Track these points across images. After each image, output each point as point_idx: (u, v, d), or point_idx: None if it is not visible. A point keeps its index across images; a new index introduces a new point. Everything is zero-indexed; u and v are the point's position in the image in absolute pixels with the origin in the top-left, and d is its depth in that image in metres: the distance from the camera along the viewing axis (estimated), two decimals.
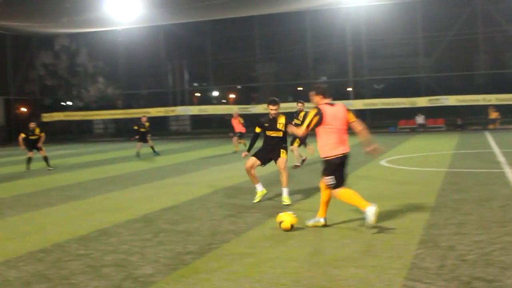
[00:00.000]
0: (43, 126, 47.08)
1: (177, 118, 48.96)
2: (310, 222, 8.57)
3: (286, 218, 8.33)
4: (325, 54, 46.25)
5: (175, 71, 51.47)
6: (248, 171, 10.88)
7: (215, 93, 51.44)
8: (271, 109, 10.64)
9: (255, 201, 11.05)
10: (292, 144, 17.29)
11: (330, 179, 8.17)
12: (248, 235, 8.25)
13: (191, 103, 50.57)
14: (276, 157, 10.82)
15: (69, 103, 51.08)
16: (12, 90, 47.87)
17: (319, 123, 8.11)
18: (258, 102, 44.62)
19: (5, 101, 47.94)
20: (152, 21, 42.08)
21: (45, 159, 21.35)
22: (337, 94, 42.95)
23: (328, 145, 8.16)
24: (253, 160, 10.86)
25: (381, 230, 8.03)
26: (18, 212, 11.40)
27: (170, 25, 44.23)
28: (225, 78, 50.80)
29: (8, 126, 48.04)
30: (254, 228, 8.70)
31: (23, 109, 50.56)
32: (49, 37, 48.02)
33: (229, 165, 19.76)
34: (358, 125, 8.37)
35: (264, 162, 10.97)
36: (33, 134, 21.26)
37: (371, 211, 7.80)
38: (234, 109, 38.43)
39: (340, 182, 8.21)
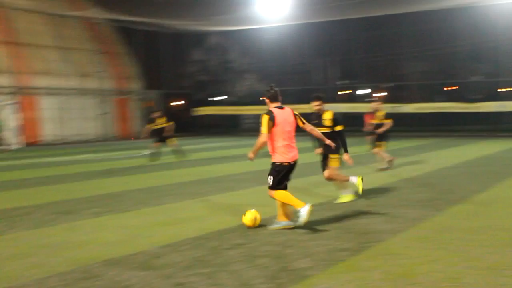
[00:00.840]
0: (197, 119, 49.25)
1: None
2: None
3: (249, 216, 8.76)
4: (476, 53, 44.12)
5: (323, 68, 51.47)
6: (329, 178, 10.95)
7: (363, 91, 50.84)
8: (314, 105, 10.72)
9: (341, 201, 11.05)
10: (376, 146, 16.95)
11: (270, 179, 8.54)
12: (403, 235, 8.06)
13: (338, 101, 50.34)
14: (325, 165, 10.93)
15: (220, 98, 52.78)
16: (168, 84, 50.29)
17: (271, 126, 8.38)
18: (409, 101, 43.48)
19: (162, 95, 50.48)
20: (300, 19, 42.34)
21: (174, 152, 22.15)
22: (488, 94, 40.92)
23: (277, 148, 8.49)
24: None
25: None
26: (177, 199, 11.95)
27: (318, 23, 44.26)
28: (372, 76, 50.05)
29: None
30: (410, 229, 8.47)
31: (178, 103, 52.97)
32: (202, 35, 49.88)
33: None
34: (307, 126, 8.84)
35: (323, 168, 11.01)
36: (158, 124, 21.83)
37: (306, 211, 8.23)
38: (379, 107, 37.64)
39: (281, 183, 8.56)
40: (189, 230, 8.68)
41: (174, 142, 22.29)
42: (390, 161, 17.00)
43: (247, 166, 18.83)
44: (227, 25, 44.07)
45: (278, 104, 8.56)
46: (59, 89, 39.63)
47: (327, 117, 10.64)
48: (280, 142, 8.42)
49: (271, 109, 8.49)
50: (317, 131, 9.16)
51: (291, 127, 8.50)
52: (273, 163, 8.55)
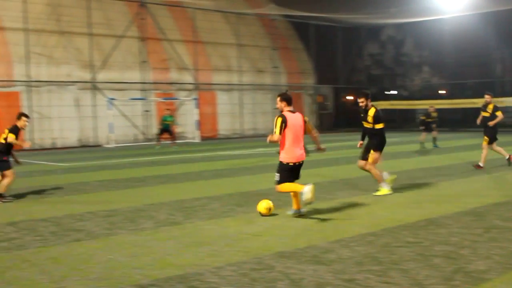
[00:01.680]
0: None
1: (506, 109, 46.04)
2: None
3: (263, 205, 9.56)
4: None
5: (502, 60, 48.46)
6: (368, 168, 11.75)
7: None
8: (359, 101, 11.62)
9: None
10: (491, 142, 16.17)
11: (277, 176, 9.34)
12: None
13: None
14: (363, 157, 11.74)
15: (394, 92, 51.76)
16: (341, 79, 50.27)
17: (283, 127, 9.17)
18: None
19: (334, 90, 50.60)
20: (480, 8, 40.21)
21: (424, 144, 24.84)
22: None
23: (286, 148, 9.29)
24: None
25: None
26: (349, 195, 11.92)
27: (500, 12, 41.72)
28: None
29: (336, 113, 50.65)
30: None
31: (350, 97, 52.77)
32: (376, 28, 49.19)
33: None
34: (314, 133, 9.79)
35: (363, 157, 11.79)
36: (431, 117, 25.64)
37: (307, 189, 8.76)
38: None
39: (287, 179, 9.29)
40: (360, 226, 8.62)
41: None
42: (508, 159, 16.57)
43: (421, 163, 18.34)
44: (402, 17, 43.09)
45: (291, 108, 9.38)
46: (235, 85, 41.18)
47: (370, 114, 11.50)
48: (289, 143, 9.22)
49: (284, 112, 9.30)
50: (316, 133, 9.95)
51: (300, 130, 9.31)
52: (280, 162, 9.38)
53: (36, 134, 31.61)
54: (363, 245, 7.41)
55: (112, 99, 33.35)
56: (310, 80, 47.16)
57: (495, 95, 44.88)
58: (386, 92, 52.16)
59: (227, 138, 38.92)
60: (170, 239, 8.00)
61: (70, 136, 33.17)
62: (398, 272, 6.21)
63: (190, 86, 38.58)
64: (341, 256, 6.88)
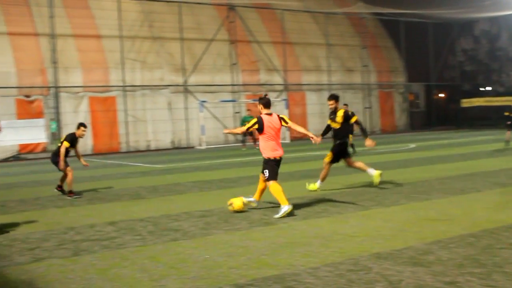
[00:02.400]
0: (459, 112, 47.24)
1: None
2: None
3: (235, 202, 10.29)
4: None
5: None
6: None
7: None
8: (329, 104, 12.66)
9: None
10: None
11: (265, 172, 10.15)
12: None
13: None
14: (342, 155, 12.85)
15: (489, 88, 49.93)
16: (432, 76, 49.02)
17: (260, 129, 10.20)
18: None
19: (425, 87, 49.42)
20: None
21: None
22: None
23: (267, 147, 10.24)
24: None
25: None
26: (444, 194, 11.59)
27: None
28: None
29: (428, 111, 49.44)
30: None
31: (442, 95, 51.35)
32: (469, 22, 47.63)
33: None
34: (292, 124, 10.66)
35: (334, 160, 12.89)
36: None
37: (284, 209, 9.68)
38: None
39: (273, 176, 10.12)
40: (459, 227, 8.36)
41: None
42: None
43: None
44: (497, 11, 41.58)
45: (269, 111, 10.40)
46: (324, 85, 40.99)
47: (339, 114, 12.61)
48: (268, 142, 10.18)
49: (261, 115, 10.30)
50: (300, 127, 10.91)
51: (277, 131, 10.29)
52: (264, 159, 10.22)
53: (132, 136, 32.68)
54: (463, 247, 7.17)
55: (203, 101, 33.97)
56: (400, 78, 46.28)
57: None
58: (481, 89, 50.38)
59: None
60: (264, 239, 8.04)
61: (163, 138, 34.06)
62: (502, 275, 5.96)
63: (280, 87, 38.75)
64: (440, 258, 6.69)
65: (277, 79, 38.69)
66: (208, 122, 34.43)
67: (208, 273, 6.45)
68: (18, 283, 6.40)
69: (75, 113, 30.72)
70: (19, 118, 29.39)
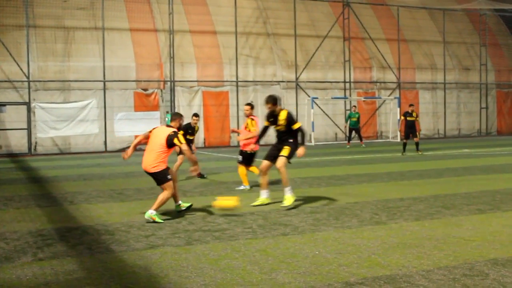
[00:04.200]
0: None
1: None
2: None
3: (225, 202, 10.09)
4: None
5: None
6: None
7: None
8: (266, 107, 11.22)
9: (253, 204, 11.04)
10: None
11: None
12: None
13: None
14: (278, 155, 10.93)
15: None
16: None
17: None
18: None
19: None
20: None
21: None
22: None
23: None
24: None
25: None
26: None
27: None
28: None
29: None
30: None
31: None
32: None
33: None
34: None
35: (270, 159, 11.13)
36: None
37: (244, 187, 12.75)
38: None
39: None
40: None
41: None
42: None
43: None
44: None
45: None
46: (439, 84, 39.79)
47: (282, 117, 10.91)
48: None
49: (252, 116, 13.25)
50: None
51: None
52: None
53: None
54: None
55: (315, 98, 33.94)
56: None
57: None
58: None
59: (428, 138, 37.71)
60: (375, 239, 7.93)
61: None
62: None
63: (392, 85, 38.02)
64: None
65: (390, 77, 37.97)
66: (318, 118, 34.35)
67: (318, 269, 6.45)
68: (135, 267, 6.69)
69: (189, 106, 31.58)
70: (136, 111, 30.63)
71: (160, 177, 9.71)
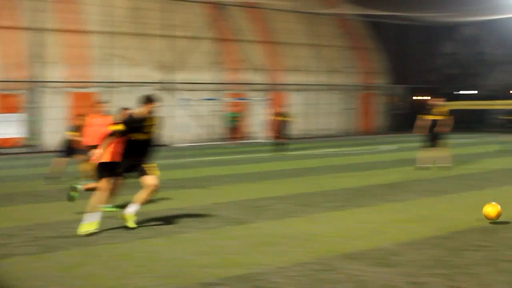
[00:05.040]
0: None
1: None
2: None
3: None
4: None
5: None
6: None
7: None
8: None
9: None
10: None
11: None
12: None
13: None
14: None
15: (467, 92, 50.34)
16: (416, 79, 49.27)
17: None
18: None
19: (408, 90, 49.65)
20: None
21: None
22: None
23: None
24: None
25: None
26: (417, 196, 11.70)
27: None
28: None
29: (410, 114, 49.70)
30: None
31: (422, 98, 51.64)
32: (454, 26, 47.94)
33: None
34: None
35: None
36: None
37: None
38: None
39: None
40: (429, 229, 8.45)
41: None
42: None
43: (494, 164, 17.84)
44: (481, 15, 41.87)
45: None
46: (307, 85, 41.03)
47: (154, 121, 9.25)
48: None
49: None
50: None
51: None
52: None
53: None
54: (431, 248, 7.26)
55: (185, 99, 33.89)
56: (384, 80, 46.46)
57: None
58: (462, 92, 50.78)
59: (298, 139, 38.82)
60: (235, 238, 8.06)
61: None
62: (467, 276, 6.06)
63: (262, 87, 38.71)
64: (409, 259, 6.77)
65: (260, 78, 38.65)
66: (189, 120, 34.31)
67: (177, 272, 6.47)
68: None
69: (55, 108, 30.47)
70: (0, 113, 29.15)
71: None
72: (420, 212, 9.85)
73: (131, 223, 8.79)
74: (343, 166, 18.51)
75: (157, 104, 9.39)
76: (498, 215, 8.62)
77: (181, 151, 27.53)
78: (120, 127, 8.90)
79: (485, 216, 8.70)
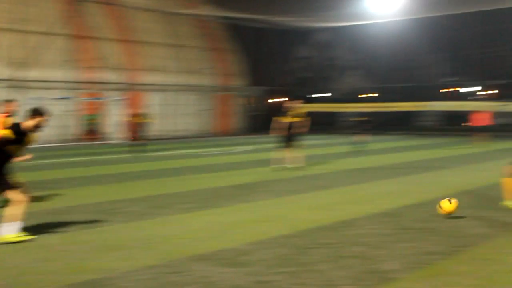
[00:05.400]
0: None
1: (425, 113, 47.28)
2: None
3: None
4: None
5: (430, 65, 49.99)
6: None
7: (470, 89, 48.80)
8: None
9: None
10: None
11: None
12: (498, 240, 7.76)
13: (444, 98, 48.61)
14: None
15: (321, 95, 52.53)
16: (272, 81, 50.60)
17: None
18: None
19: (265, 92, 50.88)
20: (412, 14, 41.15)
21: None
22: None
23: None
24: None
25: None
26: (270, 196, 12.02)
27: (430, 17, 42.90)
28: (481, 72, 47.98)
29: (266, 115, 50.96)
30: (501, 234, 8.13)
31: (278, 100, 53.18)
32: (309, 31, 49.75)
33: (485, 164, 18.72)
34: None
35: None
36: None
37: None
38: (487, 106, 35.91)
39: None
40: (278, 228, 8.70)
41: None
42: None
43: (344, 164, 18.69)
44: (334, 21, 43.71)
45: None
46: (166, 86, 40.82)
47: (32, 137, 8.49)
48: None
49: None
50: None
51: None
52: None
53: None
54: (279, 247, 7.47)
55: (37, 98, 32.47)
56: (241, 82, 47.27)
57: (420, 99, 46.18)
58: (316, 95, 52.89)
59: (153, 140, 38.45)
60: (85, 243, 7.83)
61: None
62: (310, 273, 6.31)
63: (119, 86, 37.98)
64: (257, 258, 6.92)
65: (118, 78, 37.91)
66: (49, 120, 32.93)
67: (24, 279, 6.19)
68: None
69: None
70: None
71: None
72: (271, 212, 10.12)
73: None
74: (200, 167, 18.61)
75: (46, 117, 8.52)
76: (452, 211, 9.20)
77: (33, 152, 26.29)
78: (9, 134, 7.98)
79: (443, 210, 9.23)
